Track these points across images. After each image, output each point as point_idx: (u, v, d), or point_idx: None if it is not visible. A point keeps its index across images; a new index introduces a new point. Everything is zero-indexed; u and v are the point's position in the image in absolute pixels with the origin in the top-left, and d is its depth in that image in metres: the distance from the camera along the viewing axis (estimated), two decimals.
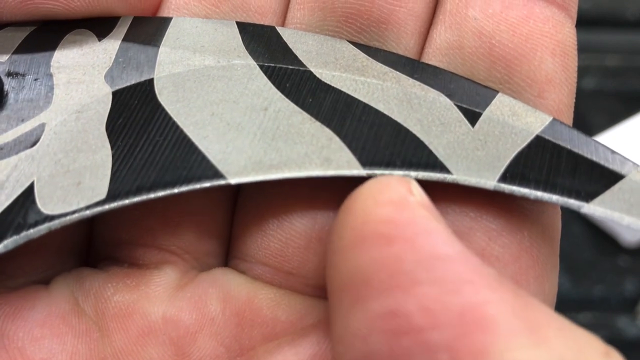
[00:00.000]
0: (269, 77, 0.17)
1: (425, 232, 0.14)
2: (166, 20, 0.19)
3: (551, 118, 0.16)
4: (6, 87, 0.17)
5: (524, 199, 0.17)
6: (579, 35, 0.18)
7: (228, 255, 0.19)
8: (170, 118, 0.17)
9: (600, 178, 0.16)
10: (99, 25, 0.18)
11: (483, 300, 0.13)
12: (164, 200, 0.16)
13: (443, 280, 0.13)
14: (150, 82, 0.17)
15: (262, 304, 0.17)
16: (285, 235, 0.18)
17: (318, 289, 0.18)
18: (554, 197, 0.16)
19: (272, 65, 0.18)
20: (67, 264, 0.19)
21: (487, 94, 0.17)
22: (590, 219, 0.52)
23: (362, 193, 0.15)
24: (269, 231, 0.18)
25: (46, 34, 0.18)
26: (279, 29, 0.18)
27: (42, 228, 0.16)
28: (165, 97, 0.17)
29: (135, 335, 0.17)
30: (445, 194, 0.17)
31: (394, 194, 0.14)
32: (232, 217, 0.19)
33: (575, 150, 0.16)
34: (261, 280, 0.18)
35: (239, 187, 0.19)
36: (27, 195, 0.16)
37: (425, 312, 0.13)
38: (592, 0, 0.61)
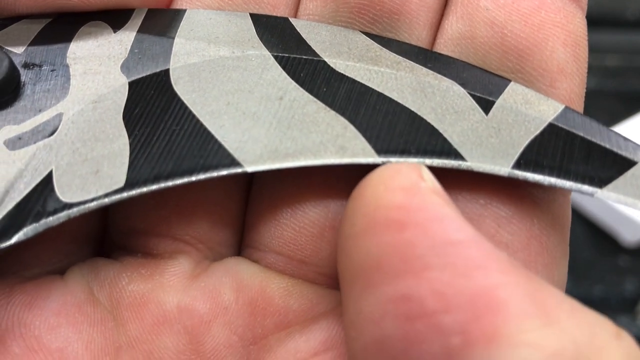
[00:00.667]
0: (284, 67, 0.18)
1: (437, 218, 0.14)
2: (180, 12, 0.19)
3: (564, 106, 0.17)
4: (23, 78, 0.17)
5: (534, 186, 0.17)
6: None
7: (241, 244, 0.19)
8: (186, 108, 0.17)
9: (613, 164, 0.16)
10: (114, 17, 0.19)
11: (495, 284, 0.13)
12: (178, 190, 0.16)
13: (455, 264, 0.13)
14: (166, 73, 0.18)
15: (275, 293, 0.18)
16: (299, 224, 0.18)
17: (331, 278, 0.18)
18: (568, 183, 0.16)
19: (286, 55, 0.18)
20: (81, 253, 0.19)
21: (499, 82, 0.17)
22: (590, 219, 0.53)
23: (373, 180, 0.15)
24: (282, 220, 0.18)
25: (62, 26, 0.18)
26: (292, 20, 0.18)
27: (61, 216, 0.16)
28: (181, 87, 0.17)
29: (150, 324, 0.17)
30: (455, 182, 0.17)
31: (404, 180, 0.14)
32: (245, 207, 0.19)
33: (588, 137, 0.16)
34: (274, 269, 0.18)
35: (252, 177, 0.19)
36: (46, 183, 0.16)
37: (438, 296, 0.13)
38: (592, 0, 0.61)
